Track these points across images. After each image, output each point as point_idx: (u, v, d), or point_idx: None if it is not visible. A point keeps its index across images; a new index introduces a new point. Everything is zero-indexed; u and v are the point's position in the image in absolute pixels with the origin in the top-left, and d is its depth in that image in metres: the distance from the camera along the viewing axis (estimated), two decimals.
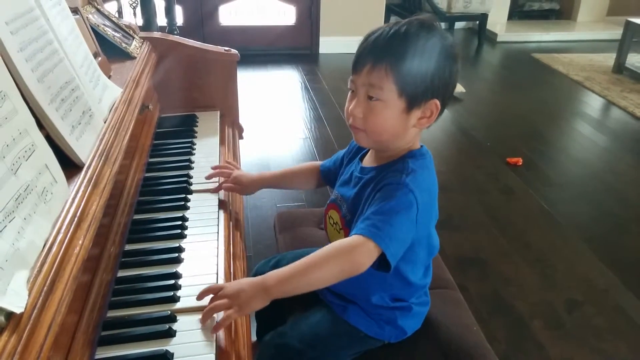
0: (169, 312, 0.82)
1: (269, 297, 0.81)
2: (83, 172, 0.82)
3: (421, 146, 0.96)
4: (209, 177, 1.21)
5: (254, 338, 1.26)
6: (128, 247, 0.98)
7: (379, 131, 0.89)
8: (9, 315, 0.55)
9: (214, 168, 1.23)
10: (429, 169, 0.93)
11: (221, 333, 0.80)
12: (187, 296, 0.86)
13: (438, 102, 0.88)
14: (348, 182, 1.00)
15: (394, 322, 1.00)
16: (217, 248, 0.99)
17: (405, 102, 0.86)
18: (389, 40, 0.85)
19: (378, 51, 0.85)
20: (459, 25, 5.74)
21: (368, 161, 0.99)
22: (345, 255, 0.83)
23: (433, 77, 0.86)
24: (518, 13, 5.90)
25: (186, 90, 1.62)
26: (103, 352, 0.75)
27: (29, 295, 0.58)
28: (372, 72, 0.85)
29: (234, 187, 1.18)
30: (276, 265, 1.17)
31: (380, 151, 0.96)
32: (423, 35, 0.85)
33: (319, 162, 1.17)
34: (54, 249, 0.66)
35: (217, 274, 0.92)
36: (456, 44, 0.91)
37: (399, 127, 0.89)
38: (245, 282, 0.82)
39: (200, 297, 0.83)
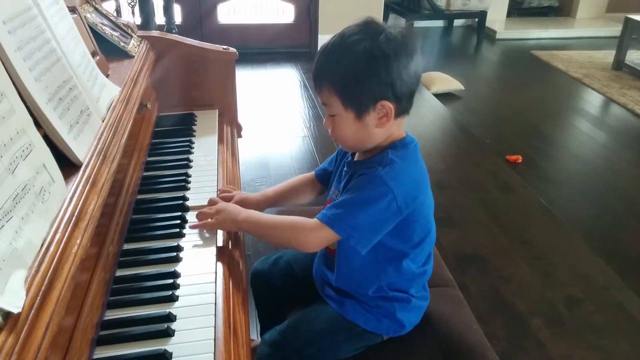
0: (168, 311, 0.82)
1: (236, 226, 1.00)
2: (81, 172, 0.82)
3: (406, 135, 0.96)
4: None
5: (257, 338, 1.26)
6: (126, 246, 0.97)
7: (344, 140, 0.95)
8: (7, 315, 0.54)
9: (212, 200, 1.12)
10: (412, 159, 0.94)
11: (220, 333, 0.80)
12: (186, 295, 0.86)
13: (387, 102, 0.88)
14: (340, 176, 1.02)
15: (392, 315, 1.00)
16: (216, 247, 0.99)
17: (353, 112, 0.89)
18: (324, 59, 0.90)
19: (318, 72, 0.91)
20: (458, 22, 5.73)
21: (356, 155, 1.00)
22: (297, 233, 0.93)
23: (369, 82, 0.86)
24: (517, 10, 5.90)
25: (184, 89, 1.62)
26: (101, 352, 0.75)
27: (27, 295, 0.58)
28: (321, 93, 0.91)
29: None
30: (275, 264, 1.18)
31: None
32: (352, 44, 0.86)
33: (312, 172, 1.18)
34: (52, 248, 0.65)
35: (215, 272, 0.92)
36: (405, 33, 0.88)
37: (360, 133, 0.92)
38: (231, 206, 1.02)
39: (208, 203, 1.07)
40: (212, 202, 1.07)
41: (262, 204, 1.15)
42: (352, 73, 0.87)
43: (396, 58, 0.86)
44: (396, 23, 0.92)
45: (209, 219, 1.01)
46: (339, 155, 1.08)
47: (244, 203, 1.12)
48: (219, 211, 1.00)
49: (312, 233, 0.91)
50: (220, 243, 1.00)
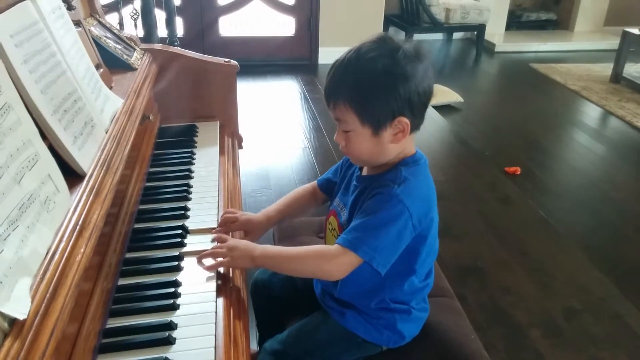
0: (169, 320, 0.83)
1: (253, 263, 0.95)
2: (85, 182, 0.84)
3: (416, 152, 0.97)
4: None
5: (256, 347, 1.27)
6: (128, 255, 0.99)
7: (358, 156, 0.95)
8: (13, 321, 0.56)
9: (217, 228, 1.10)
10: (422, 175, 0.95)
11: (220, 341, 0.81)
12: (187, 304, 0.87)
13: (404, 119, 0.88)
14: (347, 189, 1.02)
15: (393, 326, 1.00)
16: None
17: (370, 128, 0.89)
18: (339, 75, 0.90)
19: (333, 88, 0.91)
20: (457, 35, 5.78)
21: (366, 170, 1.00)
22: (321, 262, 0.91)
23: (388, 99, 0.87)
24: (516, 23, 5.95)
25: (186, 100, 1.63)
26: None
27: (32, 302, 0.59)
28: (335, 109, 0.91)
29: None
30: (275, 273, 1.18)
31: None
32: (370, 61, 0.87)
33: (313, 182, 1.18)
34: (56, 257, 0.67)
35: (216, 281, 0.93)
36: (419, 49, 0.89)
37: (375, 149, 0.92)
38: (243, 242, 0.97)
39: (214, 240, 1.03)
40: (221, 240, 1.00)
41: (265, 225, 1.13)
42: (371, 90, 0.87)
43: (414, 75, 0.87)
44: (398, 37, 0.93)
45: (221, 258, 0.95)
46: (344, 165, 1.08)
47: (249, 225, 1.11)
48: (232, 248, 0.95)
49: (336, 260, 0.89)
50: None
